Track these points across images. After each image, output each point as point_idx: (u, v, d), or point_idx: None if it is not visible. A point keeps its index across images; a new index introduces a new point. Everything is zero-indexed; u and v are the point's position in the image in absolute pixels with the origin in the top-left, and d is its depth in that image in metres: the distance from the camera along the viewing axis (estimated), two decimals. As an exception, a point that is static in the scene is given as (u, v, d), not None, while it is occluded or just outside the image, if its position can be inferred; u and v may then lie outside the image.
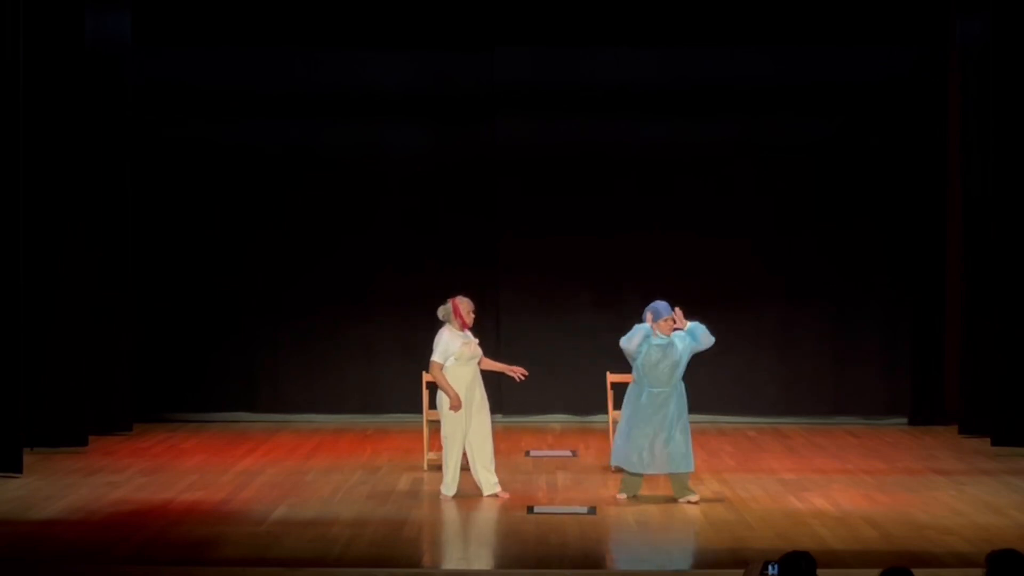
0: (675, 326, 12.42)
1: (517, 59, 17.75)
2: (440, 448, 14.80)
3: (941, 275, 17.53)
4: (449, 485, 12.59)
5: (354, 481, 13.51)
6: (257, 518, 11.74)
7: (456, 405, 12.46)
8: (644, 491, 12.75)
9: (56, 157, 15.08)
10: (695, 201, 17.76)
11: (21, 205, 13.82)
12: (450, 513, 12.07)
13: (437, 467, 14.09)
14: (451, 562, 10.55)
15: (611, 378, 14.48)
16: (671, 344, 12.35)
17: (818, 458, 15.04)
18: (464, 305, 12.67)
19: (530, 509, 12.08)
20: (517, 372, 13.00)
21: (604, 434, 14.80)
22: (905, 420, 17.62)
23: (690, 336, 12.42)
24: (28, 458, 13.98)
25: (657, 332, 12.36)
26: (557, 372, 17.29)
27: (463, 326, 12.65)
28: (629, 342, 12.38)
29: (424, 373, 14.53)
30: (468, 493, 12.91)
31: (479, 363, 12.73)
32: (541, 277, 17.66)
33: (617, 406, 14.41)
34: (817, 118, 17.75)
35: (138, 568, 10.11)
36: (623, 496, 12.44)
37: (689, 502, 12.20)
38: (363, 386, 17.91)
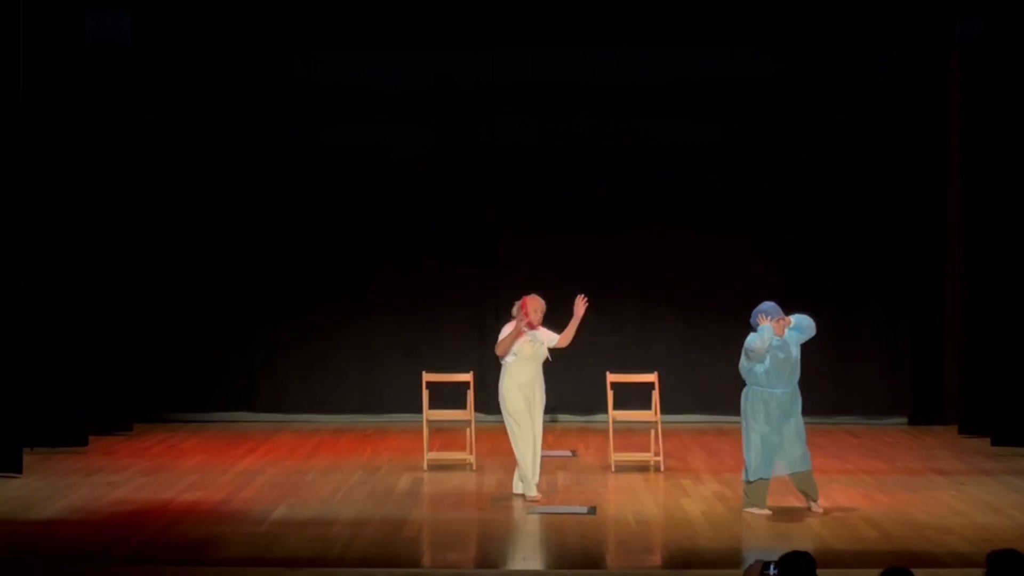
0: (788, 326, 12.20)
1: (517, 59, 17.75)
2: (441, 448, 14.83)
3: (941, 275, 17.54)
4: (530, 484, 12.47)
5: (354, 481, 13.50)
6: (257, 518, 11.74)
7: (525, 323, 12.38)
8: (644, 493, 12.77)
9: (56, 157, 15.08)
10: (695, 201, 17.76)
11: (21, 205, 13.82)
12: (450, 513, 12.06)
13: (437, 467, 14.10)
14: (451, 562, 10.54)
15: (611, 378, 14.47)
16: (787, 345, 12.10)
17: (818, 458, 14.95)
18: (533, 304, 12.60)
19: (530, 509, 12.08)
20: (580, 304, 12.71)
21: (604, 434, 14.79)
22: (905, 420, 17.63)
23: (796, 330, 12.14)
24: (28, 458, 13.98)
25: (774, 334, 12.12)
26: (557, 372, 17.25)
27: (529, 325, 12.56)
28: (762, 342, 11.99)
29: (424, 373, 14.56)
30: (468, 493, 12.92)
31: (559, 343, 12.60)
32: (541, 277, 17.60)
33: (617, 406, 14.42)
34: (817, 118, 17.75)
35: (138, 568, 10.11)
36: (765, 510, 11.99)
37: (812, 508, 11.97)
38: (363, 386, 17.91)
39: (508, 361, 12.49)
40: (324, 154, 17.87)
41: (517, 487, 12.59)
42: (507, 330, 12.60)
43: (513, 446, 12.54)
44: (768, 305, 12.16)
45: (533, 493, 12.45)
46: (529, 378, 12.47)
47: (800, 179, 17.78)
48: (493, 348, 12.81)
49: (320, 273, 17.84)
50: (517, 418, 12.47)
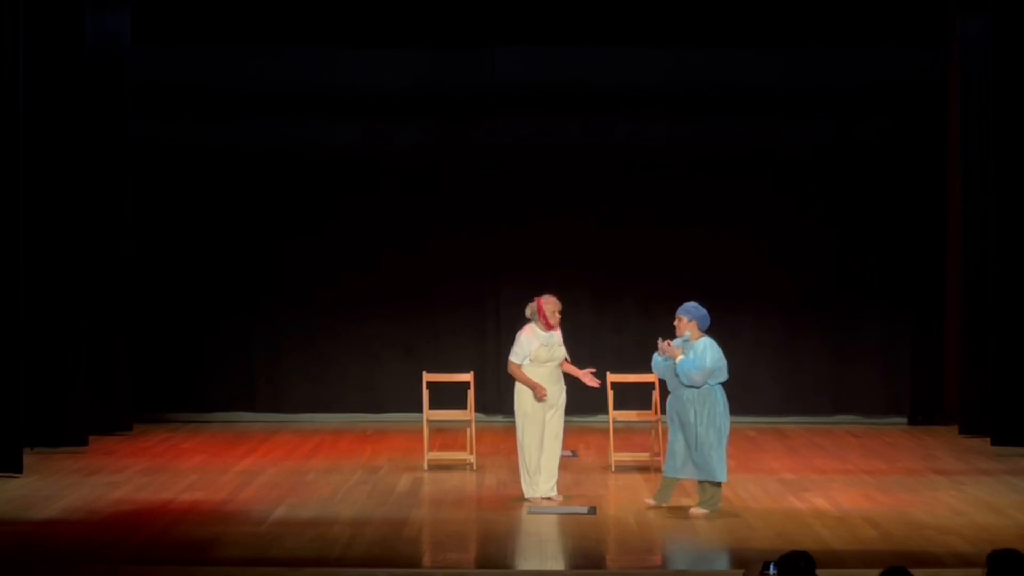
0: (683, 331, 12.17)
1: (518, 58, 17.76)
2: (441, 448, 14.85)
3: (941, 275, 17.55)
4: (529, 487, 12.40)
5: (354, 481, 13.50)
6: (257, 518, 11.74)
7: (541, 394, 12.28)
8: (644, 493, 12.77)
9: (56, 159, 15.07)
10: (696, 201, 17.76)
11: (21, 206, 13.82)
12: (450, 513, 12.05)
13: (437, 467, 14.10)
14: (451, 562, 10.53)
15: (611, 378, 14.47)
16: (688, 346, 12.08)
17: (818, 458, 15.04)
18: (549, 305, 12.43)
19: (530, 509, 12.08)
20: (589, 380, 12.70)
21: (604, 434, 14.80)
22: (905, 420, 17.64)
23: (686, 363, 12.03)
24: (28, 458, 13.98)
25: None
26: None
27: (547, 326, 12.45)
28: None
29: (424, 373, 14.56)
30: (468, 493, 12.92)
31: (561, 365, 12.50)
32: (541, 276, 17.61)
33: (617, 406, 14.43)
34: (817, 118, 17.75)
35: (138, 568, 10.11)
36: (651, 501, 12.16)
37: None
38: (363, 386, 17.91)
39: (523, 366, 12.41)
40: (324, 154, 17.87)
41: (528, 491, 12.50)
42: (522, 336, 12.41)
43: (519, 449, 12.51)
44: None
45: (531, 493, 12.42)
46: (543, 380, 12.40)
47: (801, 180, 17.78)
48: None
49: (320, 273, 17.84)
50: (523, 420, 12.42)
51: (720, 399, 12.04)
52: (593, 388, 12.92)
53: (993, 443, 15.39)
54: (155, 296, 17.69)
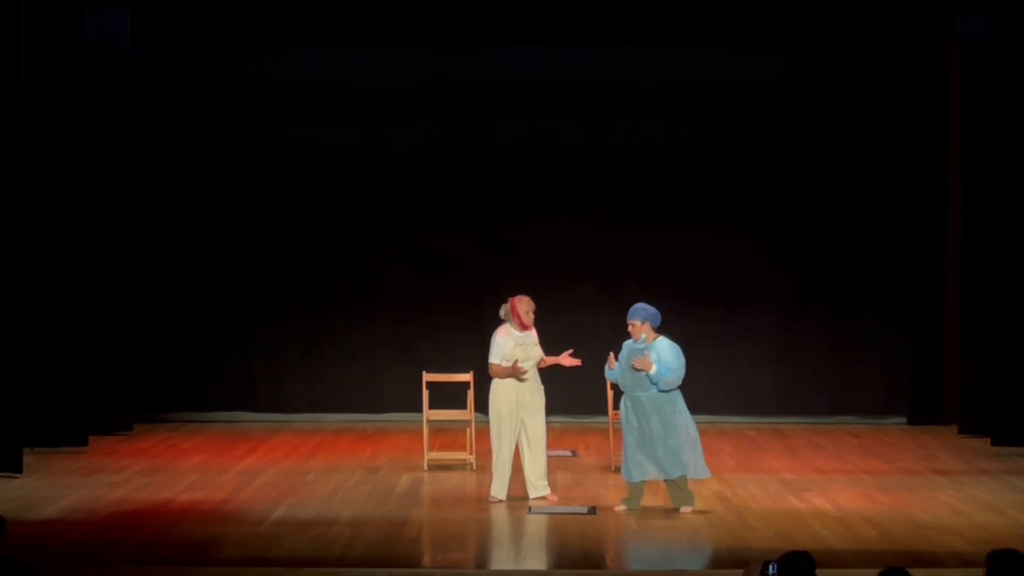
0: (642, 332, 12.09)
1: (518, 58, 17.76)
2: (441, 448, 14.85)
3: (941, 275, 17.54)
4: (499, 488, 12.41)
5: (354, 481, 13.51)
6: (257, 518, 11.74)
7: (521, 372, 12.22)
8: (644, 493, 12.77)
9: (56, 159, 15.07)
10: (696, 202, 17.76)
11: (21, 205, 13.82)
12: (450, 513, 12.06)
13: (437, 467, 14.11)
14: (451, 562, 10.54)
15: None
16: (648, 349, 12.04)
17: (818, 458, 15.04)
18: (523, 305, 12.42)
19: (530, 509, 12.08)
20: (569, 361, 12.64)
21: (604, 434, 14.80)
22: (905, 420, 17.64)
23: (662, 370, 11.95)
24: (28, 458, 13.98)
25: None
26: (557, 372, 17.24)
27: (522, 326, 12.43)
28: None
29: (424, 373, 14.56)
30: (468, 493, 12.92)
31: (539, 364, 12.48)
32: (541, 276, 17.63)
33: (617, 406, 14.41)
34: (818, 118, 17.75)
35: (138, 568, 10.11)
36: (622, 507, 12.09)
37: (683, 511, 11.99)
38: (363, 386, 17.91)
39: (500, 364, 12.42)
40: (324, 154, 17.88)
41: (532, 492, 12.49)
42: (497, 337, 12.45)
43: (492, 449, 12.51)
44: (634, 307, 12.13)
45: (502, 496, 12.39)
46: (518, 381, 12.39)
47: (801, 179, 17.78)
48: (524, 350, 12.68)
49: (320, 272, 17.84)
50: (498, 421, 12.44)
51: (680, 395, 12.00)
52: (576, 367, 12.79)
53: (993, 443, 15.38)
54: (155, 296, 17.69)
